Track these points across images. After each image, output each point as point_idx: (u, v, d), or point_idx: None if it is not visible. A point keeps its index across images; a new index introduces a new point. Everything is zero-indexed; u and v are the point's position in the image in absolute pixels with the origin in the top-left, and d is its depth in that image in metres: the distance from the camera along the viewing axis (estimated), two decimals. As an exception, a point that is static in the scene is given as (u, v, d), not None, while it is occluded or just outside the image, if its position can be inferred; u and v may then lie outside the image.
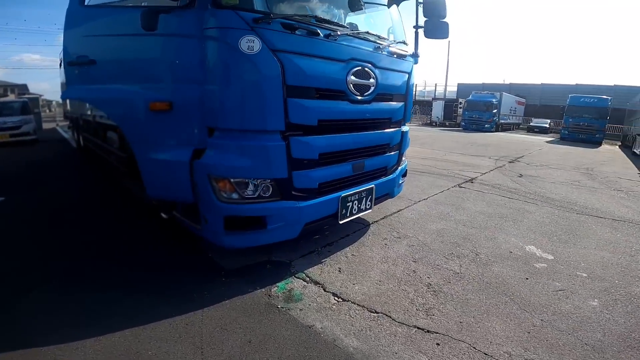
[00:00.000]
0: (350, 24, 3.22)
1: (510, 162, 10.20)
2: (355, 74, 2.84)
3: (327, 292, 2.64)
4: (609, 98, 22.76)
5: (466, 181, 6.90)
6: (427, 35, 3.38)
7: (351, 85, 2.82)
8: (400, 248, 3.46)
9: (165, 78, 2.51)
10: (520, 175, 8.02)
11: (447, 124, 30.25)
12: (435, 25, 3.35)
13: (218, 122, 2.37)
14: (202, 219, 2.57)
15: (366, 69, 2.94)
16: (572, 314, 2.46)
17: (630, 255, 3.57)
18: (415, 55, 3.68)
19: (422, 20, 3.45)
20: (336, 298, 2.57)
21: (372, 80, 3.00)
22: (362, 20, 3.59)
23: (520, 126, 33.83)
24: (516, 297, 2.65)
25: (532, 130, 30.51)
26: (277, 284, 2.69)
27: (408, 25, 3.54)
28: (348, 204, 3.04)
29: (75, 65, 3.14)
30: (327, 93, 2.67)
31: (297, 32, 2.42)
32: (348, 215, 3.08)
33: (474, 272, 3.03)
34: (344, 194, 2.97)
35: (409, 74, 3.59)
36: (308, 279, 2.81)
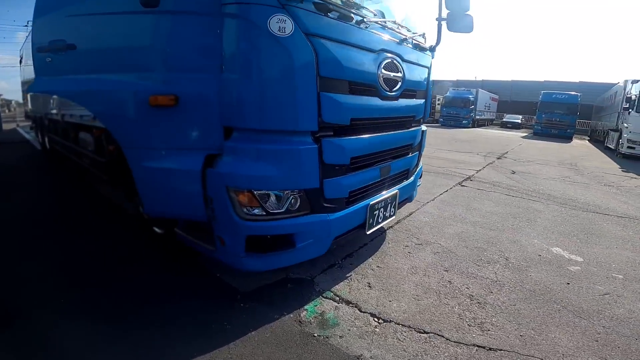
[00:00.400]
0: (378, 11, 2.97)
1: (498, 158, 10.47)
2: (386, 67, 2.62)
3: (364, 312, 2.40)
4: (579, 94, 24.24)
5: (465, 179, 6.91)
6: (451, 28, 3.22)
7: (382, 79, 2.60)
8: (425, 256, 3.28)
9: (170, 66, 2.10)
10: (513, 172, 8.19)
11: (424, 120, 30.92)
12: (459, 18, 3.19)
13: (238, 121, 2.01)
14: (216, 240, 2.21)
15: (395, 61, 2.73)
16: (628, 318, 2.40)
17: (653, 253, 3.61)
18: (432, 49, 3.52)
19: (444, 12, 3.28)
20: (376, 319, 2.33)
21: (400, 74, 2.80)
22: (378, 9, 3.37)
23: (494, 122, 35.35)
24: (566, 304, 2.55)
25: (505, 125, 31.97)
26: (306, 307, 2.40)
27: (431, 17, 3.37)
28: (375, 212, 2.82)
29: (48, 52, 2.61)
30: (359, 87, 2.42)
31: (330, 14, 2.14)
32: (375, 224, 2.86)
33: (512, 279, 2.90)
34: (372, 201, 2.74)
35: (429, 68, 3.43)
36: (338, 298, 2.55)
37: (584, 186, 7.16)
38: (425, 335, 2.17)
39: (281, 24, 1.89)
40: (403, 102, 2.97)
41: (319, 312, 2.37)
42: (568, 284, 2.87)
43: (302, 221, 2.23)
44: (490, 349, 2.04)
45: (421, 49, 3.26)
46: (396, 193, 3.11)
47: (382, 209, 2.91)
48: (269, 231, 2.13)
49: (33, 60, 2.85)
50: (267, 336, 2.10)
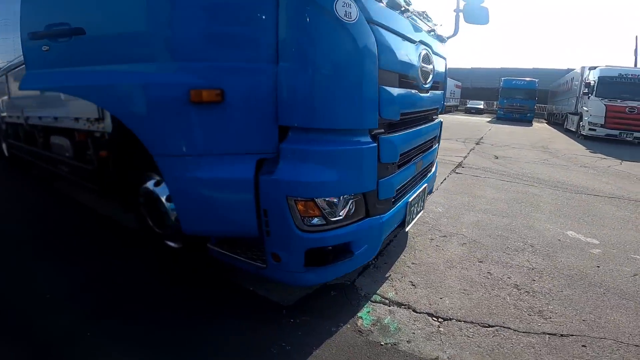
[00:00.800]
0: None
1: (476, 144, 10.94)
2: (422, 59, 2.59)
3: (420, 313, 2.35)
4: (536, 80, 26.07)
5: (457, 166, 7.13)
6: (467, 20, 3.25)
7: (420, 70, 2.56)
8: (454, 249, 3.31)
9: (212, 53, 1.80)
10: (497, 157, 8.59)
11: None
12: (475, 10, 3.22)
13: (296, 119, 1.81)
14: (268, 256, 2.01)
15: (428, 53, 2.72)
16: None
17: (656, 230, 3.93)
18: (443, 40, 3.55)
19: (461, 4, 3.31)
20: (435, 319, 2.29)
21: (431, 66, 2.82)
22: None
23: (458, 108, 36.99)
24: (607, 287, 2.69)
25: (469, 111, 33.66)
26: (359, 315, 2.30)
27: (448, 7, 3.38)
28: (412, 209, 2.79)
29: (44, 39, 2.14)
30: (406, 80, 2.37)
31: (383, 0, 2.02)
32: (411, 221, 2.83)
33: (547, 266, 3.01)
34: (409, 198, 2.70)
35: (446, 60, 3.47)
36: (387, 301, 2.48)
37: (564, 168, 7.67)
38: (491, 329, 2.18)
39: (347, 9, 1.73)
40: (432, 94, 2.99)
41: (375, 318, 2.29)
42: (598, 267, 3.02)
43: (360, 227, 2.11)
44: (562, 335, 2.10)
45: (442, 40, 3.28)
46: (425, 187, 3.11)
47: (416, 205, 2.88)
48: (330, 242, 1.98)
49: (23, 49, 2.36)
50: (334, 352, 1.97)
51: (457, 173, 6.55)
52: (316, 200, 1.88)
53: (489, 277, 2.82)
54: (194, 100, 1.76)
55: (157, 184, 2.51)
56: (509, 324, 2.21)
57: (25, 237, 3.32)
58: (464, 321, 2.25)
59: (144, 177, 2.64)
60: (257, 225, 1.93)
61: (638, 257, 3.26)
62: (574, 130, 16.12)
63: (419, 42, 2.55)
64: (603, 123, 13.34)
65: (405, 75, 2.34)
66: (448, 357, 1.93)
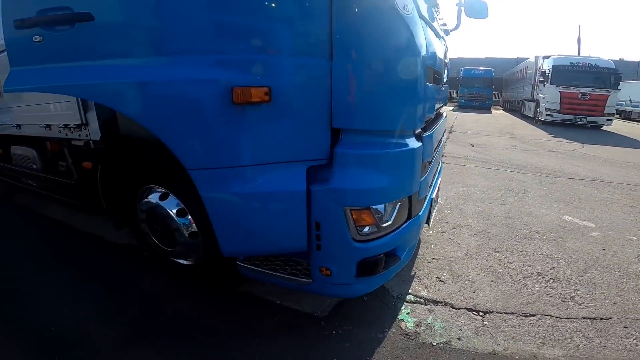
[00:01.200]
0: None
1: (449, 132, 11.33)
2: (444, 53, 2.62)
3: (459, 309, 2.37)
4: (493, 69, 27.54)
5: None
6: (468, 14, 3.31)
7: (443, 65, 2.58)
8: (468, 240, 3.39)
9: (255, 44, 1.59)
10: (472, 145, 8.98)
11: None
12: (475, 4, 3.28)
13: (351, 121, 1.68)
14: (314, 271, 1.90)
15: (446, 47, 2.74)
16: None
17: (638, 213, 4.30)
18: (447, 33, 3.63)
19: None
20: (476, 313, 2.32)
21: (447, 60, 2.83)
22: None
23: (419, 97, 38.24)
24: (620, 269, 2.89)
25: (430, 101, 34.80)
26: (400, 318, 2.27)
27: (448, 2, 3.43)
28: (434, 204, 2.80)
29: (38, 28, 1.77)
30: (437, 76, 2.36)
31: None
32: (432, 216, 2.84)
33: (559, 252, 3.18)
34: (433, 194, 2.71)
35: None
36: (422, 300, 2.47)
37: (536, 153, 8.19)
38: (534, 318, 2.25)
39: (405, 1, 1.65)
40: (445, 88, 3.04)
41: (417, 319, 2.27)
42: (604, 249, 3.24)
43: (405, 230, 2.06)
44: (601, 318, 2.23)
45: (447, 33, 3.34)
46: (440, 180, 3.15)
47: (434, 200, 2.91)
48: (382, 249, 1.91)
49: (5, 41, 1.94)
50: None
51: (443, 162, 6.73)
52: (371, 207, 1.79)
53: (511, 266, 2.91)
54: (238, 101, 1.55)
55: (162, 198, 2.28)
56: (549, 312, 2.30)
57: (21, 262, 2.92)
58: (504, 313, 2.31)
59: (144, 190, 2.39)
60: (307, 240, 1.80)
61: (634, 237, 3.55)
62: (531, 116, 17.29)
63: (442, 36, 2.56)
64: (559, 109, 14.43)
65: (438, 71, 2.34)
66: (504, 350, 1.97)
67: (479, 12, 3.23)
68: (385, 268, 1.99)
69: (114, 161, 2.47)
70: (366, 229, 1.84)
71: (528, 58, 19.85)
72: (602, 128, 14.57)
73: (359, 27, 1.59)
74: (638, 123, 20.50)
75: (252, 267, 2.04)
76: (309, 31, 1.59)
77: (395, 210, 1.96)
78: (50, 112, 2.77)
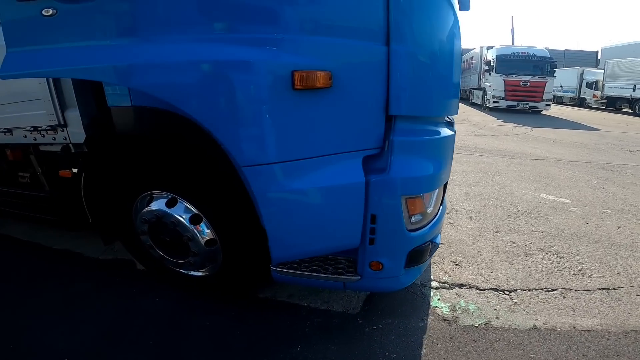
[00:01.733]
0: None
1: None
2: None
3: (485, 290, 2.47)
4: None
5: (410, 144, 7.59)
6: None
7: None
8: (467, 223, 3.55)
9: (314, 25, 1.47)
10: (436, 133, 9.40)
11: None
12: None
13: (413, 107, 1.65)
14: (364, 267, 1.83)
15: None
16: None
17: (602, 187, 4.82)
18: None
19: None
20: (502, 292, 2.44)
21: None
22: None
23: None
24: (609, 242, 3.19)
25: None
26: (433, 305, 2.31)
27: None
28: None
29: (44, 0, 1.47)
30: None
31: None
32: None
33: (551, 228, 3.44)
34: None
35: None
36: (447, 285, 2.54)
37: (495, 137, 8.82)
38: (556, 292, 2.42)
39: None
40: None
41: (450, 304, 2.32)
42: (587, 223, 3.58)
43: (441, 216, 2.10)
44: (614, 288, 2.44)
45: None
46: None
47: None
48: (428, 237, 1.91)
49: (1, 17, 1.55)
50: (441, 347, 1.95)
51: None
52: (423, 195, 1.79)
53: (514, 245, 3.10)
54: (299, 87, 1.43)
55: (170, 204, 2.05)
56: (567, 285, 2.48)
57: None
58: (528, 289, 2.45)
59: (142, 198, 2.15)
60: (360, 235, 1.74)
61: (608, 210, 3.96)
62: (479, 103, 18.56)
63: None
64: (504, 96, 15.65)
65: None
66: (544, 324, 2.09)
67: (462, 4, 3.35)
68: (430, 256, 2.01)
69: (104, 167, 2.17)
70: (415, 218, 1.83)
71: (473, 49, 21.20)
72: (542, 112, 16.08)
73: (415, 12, 1.55)
74: (569, 106, 22.94)
75: (289, 271, 1.91)
76: (367, 15, 1.51)
77: (434, 197, 1.98)
78: (13, 112, 2.39)
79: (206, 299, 2.30)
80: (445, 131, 1.94)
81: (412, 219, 1.81)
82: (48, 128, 2.24)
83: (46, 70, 1.60)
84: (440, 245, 3.00)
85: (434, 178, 1.82)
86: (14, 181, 2.76)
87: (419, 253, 1.90)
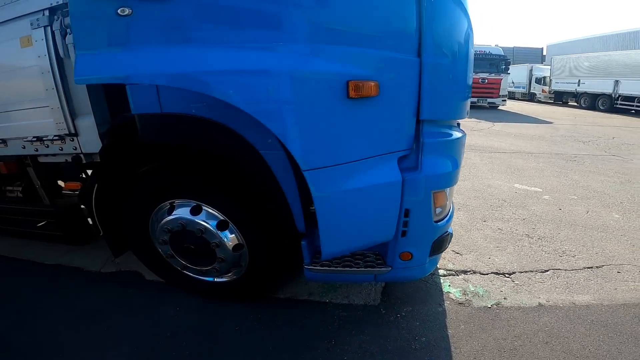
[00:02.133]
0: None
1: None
2: None
3: (487, 274, 2.73)
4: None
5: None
6: None
7: None
8: (457, 214, 3.82)
9: (367, 38, 1.62)
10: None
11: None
12: None
13: (439, 112, 1.87)
14: (394, 258, 2.03)
15: None
16: (626, 225, 3.61)
17: (565, 175, 5.35)
18: None
19: None
20: (503, 275, 2.71)
21: None
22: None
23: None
24: (582, 225, 3.60)
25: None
26: (445, 291, 2.53)
27: None
28: None
29: None
30: None
31: None
32: None
33: (530, 215, 3.82)
34: None
35: None
36: (453, 272, 2.78)
37: (462, 133, 9.37)
38: (549, 272, 2.73)
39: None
40: None
41: (460, 289, 2.55)
42: (560, 209, 4.00)
43: (454, 209, 2.35)
44: (597, 267, 2.78)
45: None
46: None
47: None
48: (447, 228, 2.15)
49: (71, 16, 1.43)
50: (464, 327, 2.16)
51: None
52: (446, 189, 2.00)
53: (503, 232, 3.42)
54: (353, 95, 1.59)
55: (194, 212, 2.09)
56: (557, 266, 2.80)
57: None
58: (524, 271, 2.74)
59: (159, 207, 2.17)
60: (395, 228, 1.92)
61: (575, 197, 4.43)
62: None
63: None
64: (464, 92, 16.53)
65: None
66: (547, 301, 2.37)
67: None
68: (448, 244, 2.23)
69: (123, 177, 2.16)
70: (439, 210, 2.03)
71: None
72: (498, 108, 17.22)
73: (443, 25, 1.74)
74: (522, 101, 24.68)
75: (323, 268, 2.05)
76: (405, 30, 1.69)
77: (452, 191, 2.21)
78: (10, 122, 2.29)
79: (228, 305, 2.35)
80: (458, 132, 2.16)
81: (437, 211, 2.01)
82: (55, 138, 2.18)
83: (125, 75, 1.57)
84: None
85: (454, 174, 2.03)
86: (4, 196, 2.63)
87: (441, 242, 2.12)
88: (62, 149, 2.22)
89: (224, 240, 2.09)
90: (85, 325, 2.20)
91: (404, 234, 1.94)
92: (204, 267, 2.23)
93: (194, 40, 1.53)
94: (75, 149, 2.20)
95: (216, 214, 2.07)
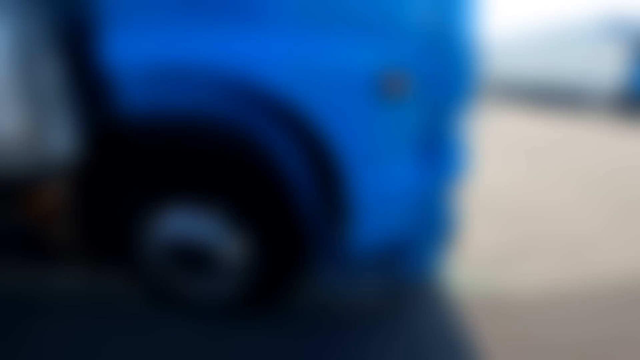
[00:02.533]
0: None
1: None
2: None
3: (476, 265, 2.91)
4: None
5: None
6: None
7: None
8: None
9: (395, 27, 1.67)
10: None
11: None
12: None
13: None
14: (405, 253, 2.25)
15: None
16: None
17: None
18: None
19: None
20: (491, 264, 2.90)
21: None
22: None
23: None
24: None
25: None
26: (445, 284, 2.66)
27: None
28: None
29: None
30: None
31: None
32: None
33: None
34: None
35: None
36: (445, 264, 2.93)
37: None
38: (531, 259, 2.97)
39: None
40: None
41: (458, 281, 2.69)
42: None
43: None
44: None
45: None
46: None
47: None
48: None
49: None
50: (474, 318, 2.28)
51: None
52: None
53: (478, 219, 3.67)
54: (389, 89, 1.66)
55: (199, 218, 1.99)
56: (531, 252, 3.08)
57: None
58: (507, 259, 2.97)
59: (159, 215, 2.02)
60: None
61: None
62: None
63: None
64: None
65: None
66: (543, 286, 2.59)
67: None
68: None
69: (116, 183, 1.97)
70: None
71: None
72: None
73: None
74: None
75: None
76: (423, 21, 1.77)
77: None
78: None
79: (234, 320, 2.23)
80: None
81: None
82: (22, 139, 1.89)
83: (170, 59, 1.41)
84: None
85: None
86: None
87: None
88: (33, 154, 1.95)
89: (233, 248, 1.99)
90: (77, 352, 1.94)
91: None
92: (209, 280, 2.11)
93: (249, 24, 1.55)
94: (51, 152, 1.94)
95: (229, 217, 1.96)
